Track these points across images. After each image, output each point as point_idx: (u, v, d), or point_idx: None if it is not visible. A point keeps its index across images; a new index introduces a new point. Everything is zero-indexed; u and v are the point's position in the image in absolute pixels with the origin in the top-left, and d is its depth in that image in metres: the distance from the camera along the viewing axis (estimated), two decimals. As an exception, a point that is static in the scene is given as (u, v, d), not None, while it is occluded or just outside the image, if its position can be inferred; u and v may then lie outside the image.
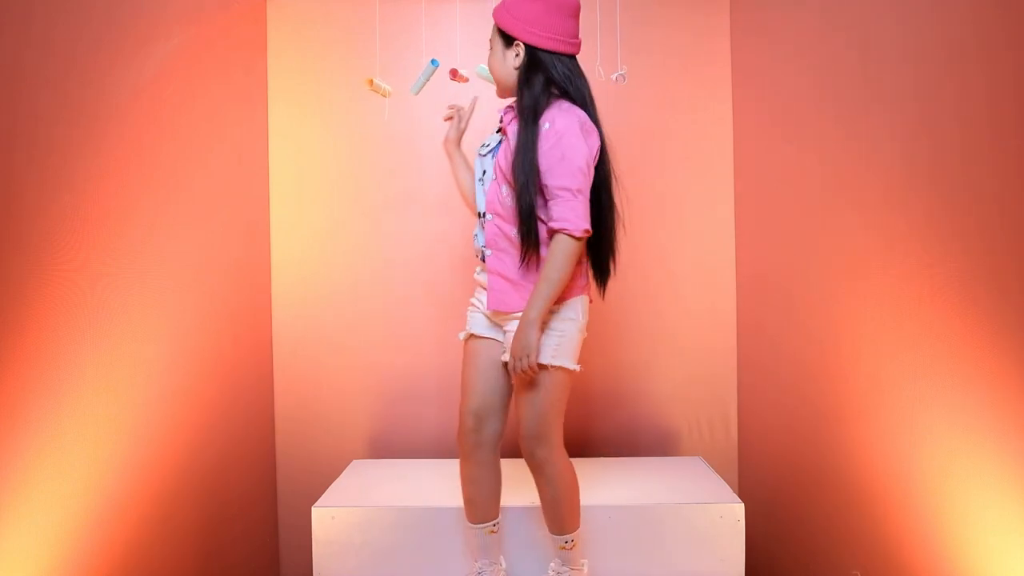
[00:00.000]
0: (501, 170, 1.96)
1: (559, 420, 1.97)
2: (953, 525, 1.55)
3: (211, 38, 2.39)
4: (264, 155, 2.87)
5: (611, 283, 2.64)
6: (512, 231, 1.95)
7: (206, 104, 2.35)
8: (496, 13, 2.00)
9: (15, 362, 1.49)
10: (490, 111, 2.46)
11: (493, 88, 2.17)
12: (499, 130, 2.05)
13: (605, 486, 2.40)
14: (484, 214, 2.01)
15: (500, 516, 2.12)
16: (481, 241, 2.03)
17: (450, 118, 2.19)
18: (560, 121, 1.89)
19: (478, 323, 2.09)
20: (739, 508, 2.24)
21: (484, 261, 2.02)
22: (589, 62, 2.45)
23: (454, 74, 2.30)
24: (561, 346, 1.93)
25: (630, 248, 2.88)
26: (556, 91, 1.97)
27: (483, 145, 2.10)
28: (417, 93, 2.33)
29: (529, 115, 1.91)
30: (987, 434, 1.44)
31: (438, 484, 2.45)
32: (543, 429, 1.94)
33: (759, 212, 2.67)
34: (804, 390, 2.29)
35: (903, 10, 1.69)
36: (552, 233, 1.88)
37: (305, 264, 2.91)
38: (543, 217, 1.91)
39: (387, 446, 2.92)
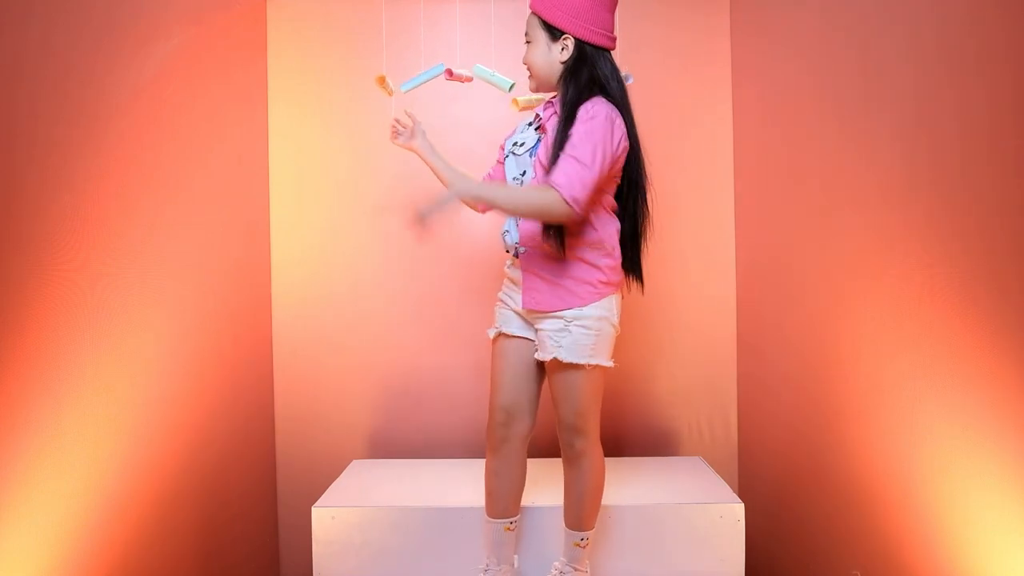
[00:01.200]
0: (542, 166, 1.94)
1: (597, 414, 2.02)
2: (953, 525, 1.55)
3: (211, 38, 2.39)
4: (264, 155, 2.87)
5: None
6: (550, 228, 1.91)
7: (206, 104, 2.35)
8: (539, 5, 1.96)
9: (15, 362, 1.49)
10: (492, 109, 2.48)
11: (492, 88, 2.17)
12: (537, 127, 2.03)
13: (607, 486, 2.39)
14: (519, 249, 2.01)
15: (519, 516, 2.13)
16: (515, 238, 2.01)
17: (397, 133, 2.23)
18: (596, 108, 1.87)
19: (510, 321, 2.07)
20: (739, 508, 2.24)
21: (517, 257, 2.02)
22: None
23: (451, 74, 2.29)
24: (597, 345, 1.94)
25: (630, 248, 2.89)
26: (597, 88, 1.94)
27: (516, 144, 2.06)
28: (406, 91, 2.32)
29: (570, 110, 1.89)
30: (987, 433, 1.44)
31: (438, 484, 2.45)
32: (581, 422, 1.99)
33: (759, 212, 2.67)
34: (804, 390, 2.29)
35: (902, 9, 1.69)
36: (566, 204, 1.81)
37: (305, 264, 2.91)
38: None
39: (387, 446, 2.92)
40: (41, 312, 1.57)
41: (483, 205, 1.97)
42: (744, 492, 2.81)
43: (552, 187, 1.80)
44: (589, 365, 1.93)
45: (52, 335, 1.60)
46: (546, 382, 2.04)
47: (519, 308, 2.03)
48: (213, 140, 2.39)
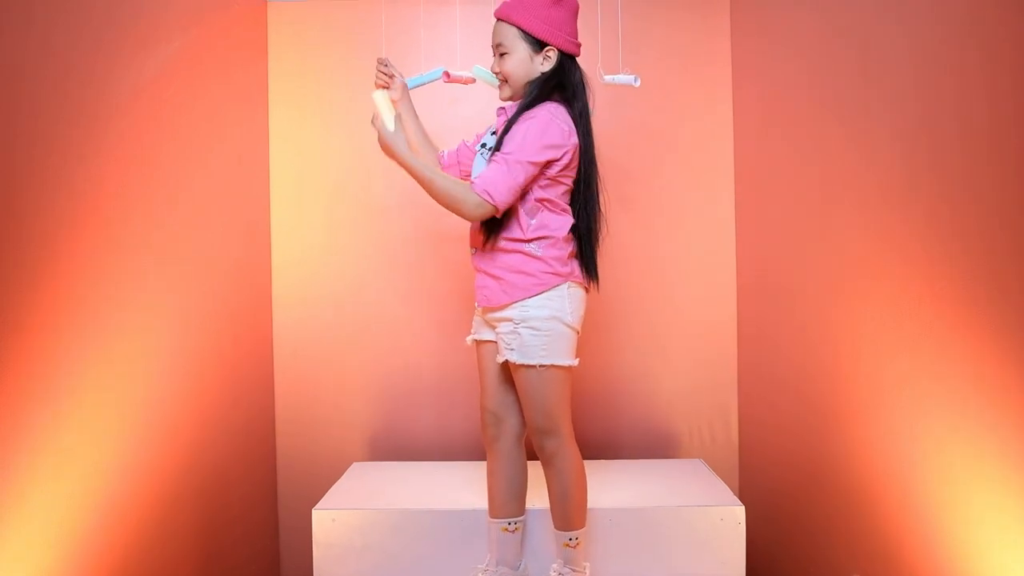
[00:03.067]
0: None
1: (565, 413, 1.99)
2: (954, 527, 1.55)
3: (212, 40, 2.39)
4: (265, 156, 2.87)
5: (611, 284, 2.66)
6: (484, 223, 1.97)
7: (206, 105, 2.35)
8: (520, 17, 1.94)
9: (14, 363, 1.49)
10: (491, 111, 2.47)
11: (491, 90, 2.17)
12: (494, 131, 2.07)
13: (606, 489, 2.39)
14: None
15: (522, 518, 2.13)
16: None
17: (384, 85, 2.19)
18: (538, 111, 1.91)
19: (480, 327, 2.13)
20: (740, 511, 2.24)
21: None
22: (590, 63, 2.45)
23: (449, 76, 2.29)
24: (549, 345, 1.93)
25: (630, 249, 2.89)
26: (559, 96, 1.98)
27: (481, 146, 2.10)
28: (409, 89, 2.32)
29: (517, 113, 1.94)
30: (988, 435, 1.43)
31: (439, 486, 2.45)
32: (548, 423, 1.98)
33: (759, 214, 2.66)
34: (804, 392, 2.28)
35: (903, 10, 1.69)
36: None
37: (306, 265, 2.91)
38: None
39: (388, 448, 2.92)
40: (40, 313, 1.57)
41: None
42: (745, 495, 2.81)
43: (469, 185, 1.88)
44: (542, 366, 1.93)
45: (51, 336, 1.60)
46: None
47: (478, 309, 2.10)
48: (213, 141, 2.39)
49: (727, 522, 2.23)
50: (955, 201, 1.51)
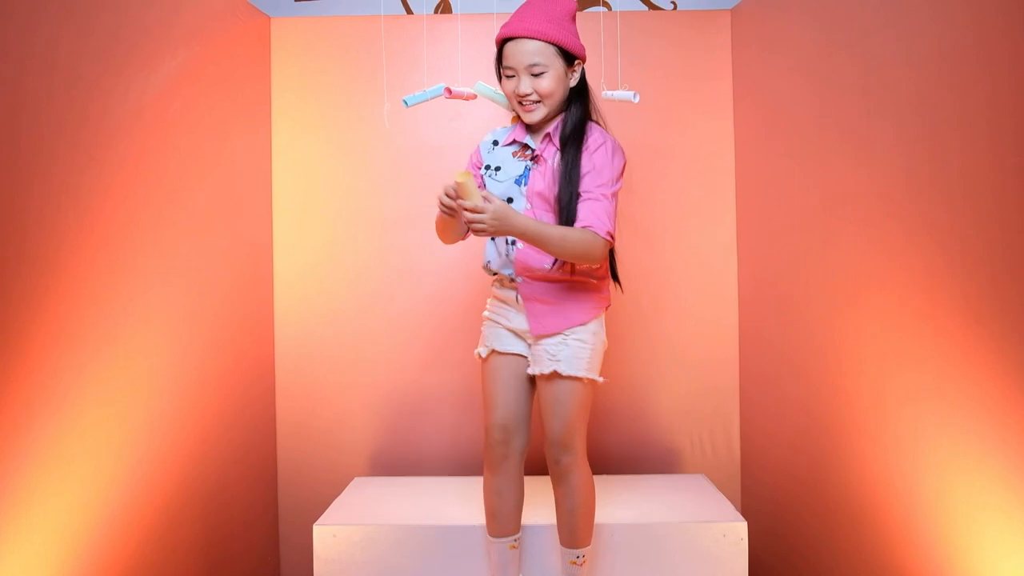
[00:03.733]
0: (540, 197, 1.95)
1: (584, 429, 2.02)
2: (957, 543, 1.55)
3: (215, 55, 2.40)
4: (267, 172, 2.88)
5: (614, 298, 2.64)
6: (549, 258, 1.93)
7: (210, 121, 2.36)
8: (556, 33, 1.91)
9: (18, 377, 1.49)
10: (492, 126, 2.49)
11: (492, 105, 2.18)
12: (533, 158, 2.00)
13: (608, 504, 2.39)
14: (515, 242, 1.97)
15: (521, 533, 2.13)
16: (497, 263, 2.04)
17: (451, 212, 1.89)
18: (604, 136, 1.96)
19: (502, 338, 2.07)
20: (742, 526, 2.23)
21: (512, 283, 2.03)
22: (592, 79, 2.46)
23: (450, 93, 2.29)
24: (592, 359, 1.99)
25: (632, 263, 2.89)
26: (591, 108, 2.04)
27: (493, 168, 2.06)
28: (408, 106, 2.32)
29: (576, 135, 1.94)
30: (991, 451, 1.43)
31: (441, 502, 2.44)
32: (569, 437, 1.97)
33: (761, 228, 2.67)
34: (807, 407, 2.28)
35: (904, 24, 1.69)
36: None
37: (308, 281, 2.91)
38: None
39: (389, 463, 2.91)
40: (42, 328, 1.57)
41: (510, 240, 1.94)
42: (747, 510, 2.80)
43: (590, 229, 1.84)
44: (585, 379, 1.96)
45: (54, 351, 1.60)
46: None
47: (513, 326, 2.05)
48: (216, 156, 2.40)
49: (730, 538, 2.22)
50: (957, 214, 1.51)
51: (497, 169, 2.05)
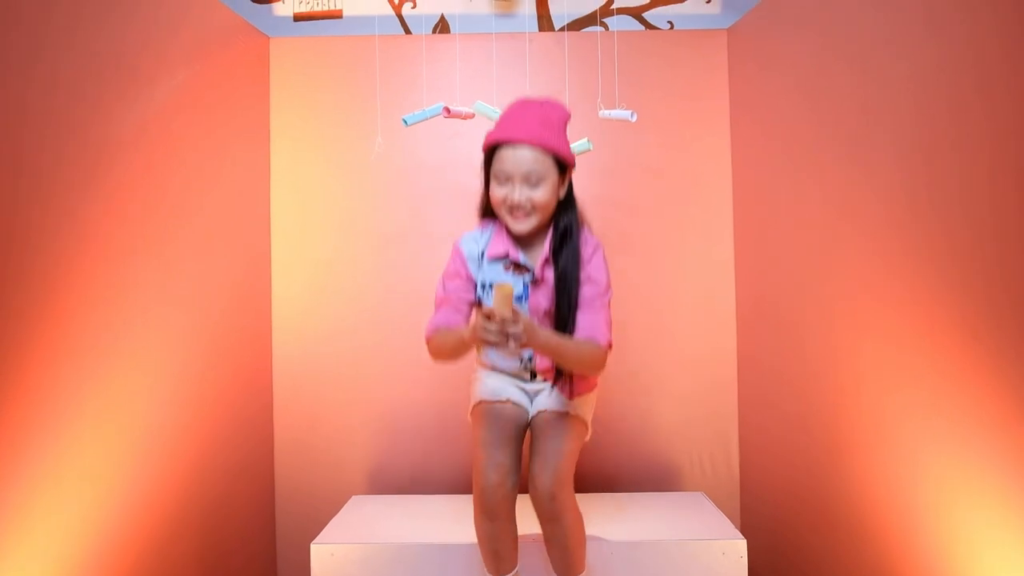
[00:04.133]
0: (546, 315, 1.97)
1: (574, 470, 1.98)
2: (957, 559, 1.54)
3: (214, 75, 2.42)
4: (266, 190, 2.89)
5: (612, 317, 2.66)
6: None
7: (209, 140, 2.37)
8: (556, 143, 1.88)
9: (15, 395, 1.49)
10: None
11: (492, 124, 2.19)
12: (534, 280, 1.98)
13: (606, 522, 2.38)
14: (535, 375, 2.10)
15: (519, 564, 2.06)
16: (504, 364, 2.12)
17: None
18: (594, 243, 1.99)
19: (496, 387, 2.12)
20: (742, 544, 2.23)
21: (531, 377, 2.12)
22: (590, 99, 2.48)
23: (449, 112, 2.31)
24: (590, 412, 2.12)
25: (629, 282, 2.90)
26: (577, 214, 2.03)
27: (488, 286, 2.01)
28: (408, 125, 2.34)
29: (573, 249, 1.95)
30: (990, 468, 1.43)
31: (439, 520, 2.43)
32: (566, 475, 1.93)
33: (759, 246, 2.68)
34: (806, 425, 2.28)
35: (902, 41, 1.71)
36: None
37: (306, 298, 2.92)
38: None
39: (387, 482, 2.90)
40: (43, 344, 1.57)
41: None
42: (747, 528, 2.79)
43: (593, 341, 1.89)
44: (583, 419, 2.06)
45: (53, 367, 1.60)
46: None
47: (513, 372, 2.12)
48: (215, 175, 2.41)
49: (729, 556, 2.21)
50: (955, 232, 1.52)
51: (489, 287, 1.99)
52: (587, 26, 2.93)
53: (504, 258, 1.98)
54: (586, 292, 1.92)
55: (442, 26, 2.95)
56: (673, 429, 2.91)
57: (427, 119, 2.33)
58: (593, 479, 2.84)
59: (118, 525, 1.84)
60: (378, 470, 2.91)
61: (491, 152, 1.92)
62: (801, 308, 2.30)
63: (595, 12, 2.92)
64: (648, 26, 2.95)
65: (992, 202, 1.40)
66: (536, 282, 1.97)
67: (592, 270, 1.94)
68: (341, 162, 2.92)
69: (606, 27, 2.94)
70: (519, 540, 2.03)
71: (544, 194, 1.88)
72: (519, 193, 1.87)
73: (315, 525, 2.60)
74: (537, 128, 1.86)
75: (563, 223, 1.96)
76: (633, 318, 2.90)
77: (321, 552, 2.24)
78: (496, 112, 2.30)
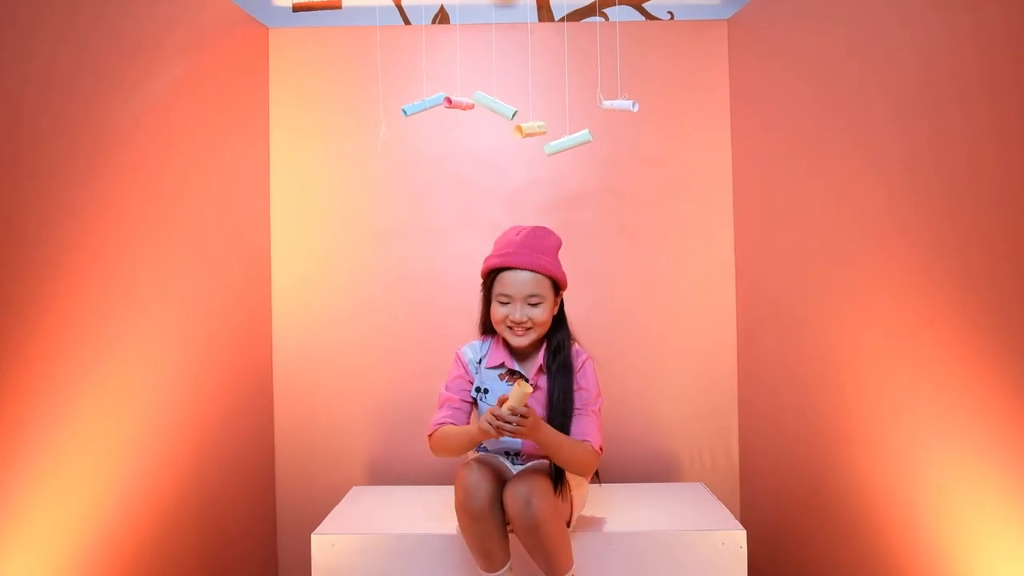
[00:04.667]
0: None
1: (551, 499, 1.99)
2: (957, 551, 1.55)
3: (213, 65, 2.41)
4: (265, 181, 2.88)
5: (610, 308, 2.74)
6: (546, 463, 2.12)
7: (208, 131, 2.36)
8: (554, 269, 2.12)
9: (16, 386, 1.49)
10: (491, 137, 2.48)
11: (492, 115, 2.19)
12: (526, 380, 2.15)
13: (606, 512, 2.39)
14: (519, 453, 2.24)
15: (511, 558, 2.06)
16: (492, 446, 2.25)
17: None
18: (584, 356, 2.19)
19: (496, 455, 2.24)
20: (741, 535, 2.23)
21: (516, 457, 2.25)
22: (590, 90, 2.47)
23: (450, 102, 2.31)
24: (577, 501, 2.18)
25: (629, 274, 2.90)
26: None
27: (483, 391, 2.22)
28: (407, 115, 2.33)
29: (566, 362, 2.14)
30: (990, 458, 1.43)
31: (439, 511, 2.44)
32: (542, 489, 1.96)
33: (759, 237, 2.67)
34: (805, 415, 2.28)
35: (904, 30, 1.70)
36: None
37: (306, 289, 2.92)
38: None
39: (387, 473, 2.91)
40: (42, 336, 1.57)
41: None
42: (746, 519, 2.80)
43: (588, 443, 2.06)
44: (573, 501, 2.13)
45: (52, 359, 1.60)
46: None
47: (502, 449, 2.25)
48: (215, 166, 2.41)
49: (728, 546, 2.22)
50: (957, 223, 1.52)
51: (486, 391, 2.21)
52: (587, 16, 2.92)
53: (500, 367, 2.20)
54: (578, 400, 2.12)
55: (441, 16, 2.94)
56: (673, 420, 2.92)
57: (427, 109, 2.32)
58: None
59: (119, 516, 1.84)
60: (378, 461, 2.92)
61: (491, 275, 2.14)
62: (801, 300, 2.30)
63: (595, 2, 2.91)
64: (648, 16, 2.94)
65: (996, 192, 1.40)
66: (534, 385, 2.11)
67: (583, 380, 2.14)
68: (340, 153, 2.91)
69: (606, 17, 2.93)
70: (510, 541, 2.06)
71: (542, 313, 2.10)
72: (520, 312, 2.09)
73: (315, 516, 2.60)
74: (536, 255, 2.09)
75: (556, 339, 2.16)
76: (633, 309, 2.90)
77: (322, 542, 2.24)
78: (496, 102, 2.30)
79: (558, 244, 2.18)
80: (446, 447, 2.10)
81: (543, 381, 2.14)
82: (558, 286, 2.15)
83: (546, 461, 2.11)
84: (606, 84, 2.52)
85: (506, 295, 2.10)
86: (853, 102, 1.94)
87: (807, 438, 2.27)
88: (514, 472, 2.20)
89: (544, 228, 2.18)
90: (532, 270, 2.08)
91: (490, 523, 1.98)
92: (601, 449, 2.08)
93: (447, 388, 2.22)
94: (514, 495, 1.95)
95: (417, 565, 2.23)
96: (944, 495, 1.59)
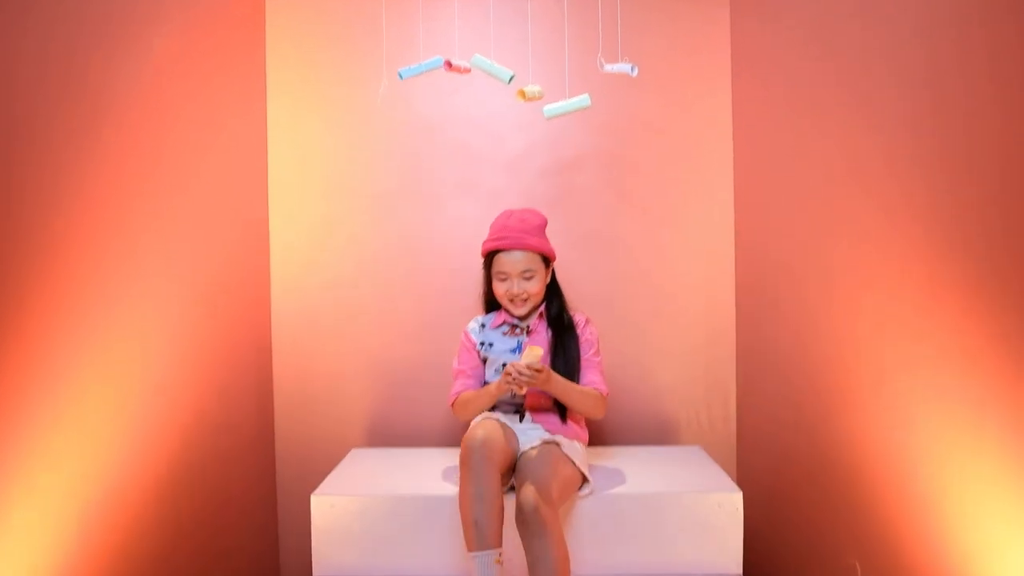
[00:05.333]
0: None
1: (561, 497, 2.09)
2: (951, 514, 1.56)
3: (210, 31, 2.39)
4: (263, 147, 2.87)
5: (610, 272, 2.75)
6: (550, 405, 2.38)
7: (205, 97, 2.35)
8: (542, 245, 2.38)
9: (15, 352, 1.50)
10: (490, 102, 2.46)
11: (491, 80, 2.17)
12: (527, 331, 2.44)
13: (605, 474, 2.41)
14: (526, 412, 2.40)
15: (503, 549, 2.02)
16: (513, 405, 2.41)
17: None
18: (583, 316, 2.47)
19: (499, 416, 2.32)
20: (737, 497, 2.25)
21: (520, 419, 2.39)
22: (590, 53, 2.46)
23: (450, 66, 2.29)
24: (583, 459, 2.28)
25: (628, 238, 2.90)
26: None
27: (487, 344, 2.46)
28: (403, 79, 2.31)
29: (567, 318, 2.43)
30: (986, 421, 1.44)
31: (438, 472, 2.46)
32: (548, 491, 2.00)
33: (759, 203, 2.67)
34: (803, 379, 2.29)
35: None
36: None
37: (304, 254, 2.92)
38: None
39: (386, 434, 2.93)
40: (41, 303, 1.58)
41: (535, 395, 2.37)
42: (743, 481, 2.82)
43: (598, 391, 2.35)
44: (577, 465, 2.20)
45: (52, 325, 1.61)
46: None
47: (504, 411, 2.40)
48: (212, 133, 2.40)
49: (725, 508, 2.24)
50: (960, 185, 1.51)
51: (491, 345, 2.46)
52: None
53: (503, 325, 2.47)
54: (585, 353, 2.40)
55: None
56: (671, 384, 2.93)
57: (423, 73, 2.31)
58: (592, 433, 2.86)
59: (119, 477, 1.86)
60: (377, 423, 2.94)
61: (489, 257, 2.41)
62: (802, 263, 2.30)
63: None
64: (649, -21, 2.91)
65: (999, 154, 1.39)
66: (529, 332, 2.43)
67: (588, 336, 2.43)
68: (339, 118, 2.90)
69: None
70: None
71: (536, 284, 2.39)
72: (517, 286, 2.37)
73: (315, 477, 2.62)
74: (525, 235, 2.36)
75: (555, 303, 2.45)
76: (631, 273, 2.91)
77: (321, 503, 2.27)
78: (493, 66, 2.28)
79: (544, 223, 2.44)
80: (469, 409, 2.36)
81: (542, 328, 2.43)
82: (547, 260, 2.41)
83: (553, 443, 2.23)
84: (607, 49, 2.50)
85: (503, 272, 2.37)
86: (855, 66, 1.92)
87: (805, 400, 2.28)
88: (519, 437, 2.31)
89: (531, 210, 2.45)
90: (523, 249, 2.35)
91: (488, 488, 2.00)
92: (608, 395, 2.37)
93: (459, 363, 2.47)
94: (521, 497, 1.99)
95: (416, 526, 2.25)
96: (940, 456, 1.60)
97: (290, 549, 2.94)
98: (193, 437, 2.24)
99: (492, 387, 2.29)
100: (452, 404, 2.42)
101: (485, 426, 2.14)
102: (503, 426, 2.23)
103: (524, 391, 2.23)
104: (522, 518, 1.95)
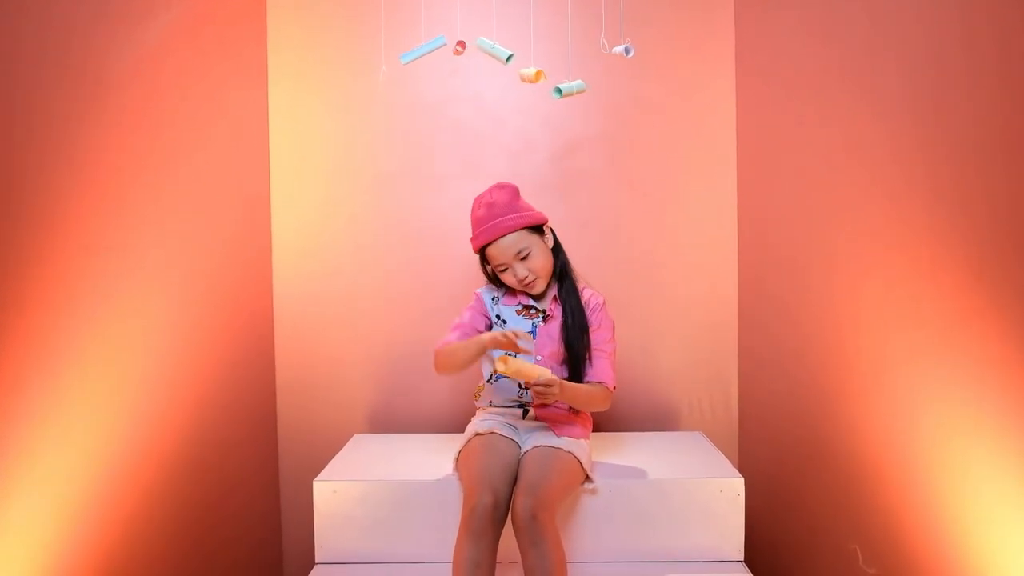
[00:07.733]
0: (552, 355, 2.25)
1: (561, 500, 2.05)
2: (952, 500, 1.56)
3: (211, 12, 2.37)
4: (264, 129, 2.86)
5: (612, 258, 2.73)
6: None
7: (206, 79, 2.33)
8: (518, 220, 2.18)
9: (16, 337, 1.49)
10: (490, 82, 2.43)
11: (491, 61, 2.15)
12: (545, 317, 2.29)
13: (606, 460, 2.41)
14: (530, 409, 2.30)
15: None
16: (501, 400, 2.33)
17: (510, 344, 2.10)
18: (594, 294, 2.32)
19: (496, 425, 2.25)
20: (739, 483, 2.25)
21: (523, 412, 2.32)
22: (593, 35, 2.43)
23: (463, 45, 2.27)
24: (587, 458, 2.21)
25: (630, 223, 2.88)
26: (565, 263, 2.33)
27: (501, 320, 2.31)
28: (405, 63, 2.29)
29: (574, 292, 2.28)
30: (987, 409, 1.44)
31: (439, 458, 2.46)
32: (547, 498, 1.93)
33: (762, 187, 2.66)
34: (805, 366, 2.29)
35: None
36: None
37: (306, 238, 2.91)
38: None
39: (389, 420, 2.93)
40: (41, 288, 1.57)
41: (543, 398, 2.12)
42: (744, 467, 2.82)
43: (603, 384, 2.22)
44: (580, 462, 2.15)
45: (52, 310, 1.60)
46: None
47: (506, 406, 2.32)
48: (213, 115, 2.38)
49: (726, 494, 2.24)
50: (962, 170, 1.51)
51: (504, 322, 2.31)
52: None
53: (517, 304, 2.32)
54: (595, 339, 2.25)
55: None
56: (673, 369, 2.93)
57: (425, 54, 2.28)
58: (594, 418, 2.86)
59: (121, 464, 1.86)
60: (379, 409, 2.94)
61: (481, 253, 2.27)
62: (804, 248, 2.29)
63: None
64: (653, -40, 2.88)
65: (1000, 140, 1.38)
66: (547, 318, 2.29)
67: (601, 320, 2.28)
68: (340, 99, 2.88)
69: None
70: None
71: (537, 259, 2.21)
72: (519, 270, 2.21)
73: (317, 463, 2.62)
74: (499, 219, 2.18)
75: (566, 282, 2.29)
76: (634, 257, 2.90)
77: (323, 489, 2.27)
78: (496, 47, 2.26)
79: (513, 194, 2.24)
80: (450, 361, 2.18)
81: (558, 312, 2.28)
82: (538, 227, 2.24)
83: (555, 448, 2.16)
84: (609, 32, 2.48)
85: (501, 263, 2.22)
86: (860, 53, 1.91)
87: (807, 387, 2.28)
88: (523, 436, 2.26)
89: (498, 187, 2.25)
90: (504, 234, 2.18)
91: (486, 552, 1.89)
92: (615, 388, 2.25)
93: (461, 318, 2.31)
94: (518, 504, 1.91)
95: (417, 511, 2.25)
96: (942, 444, 1.59)
97: (292, 534, 2.95)
98: (195, 424, 2.24)
99: (485, 338, 2.12)
100: (437, 351, 2.22)
101: (491, 470, 2.02)
102: (507, 441, 2.17)
103: (551, 401, 2.11)
104: (519, 524, 1.88)
